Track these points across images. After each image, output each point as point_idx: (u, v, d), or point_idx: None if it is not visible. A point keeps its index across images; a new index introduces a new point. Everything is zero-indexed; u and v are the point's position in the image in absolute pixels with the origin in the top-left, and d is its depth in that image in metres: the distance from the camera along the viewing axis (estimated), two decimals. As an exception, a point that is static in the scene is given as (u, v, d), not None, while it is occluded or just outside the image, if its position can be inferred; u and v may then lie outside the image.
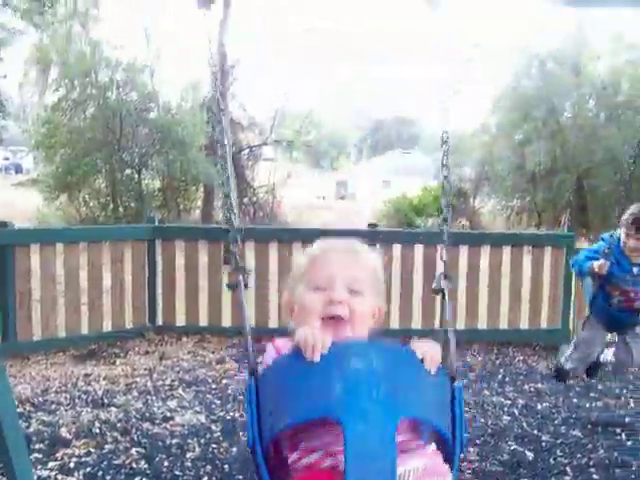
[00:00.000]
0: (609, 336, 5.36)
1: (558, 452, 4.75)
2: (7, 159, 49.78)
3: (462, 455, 1.82)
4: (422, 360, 1.68)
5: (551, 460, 4.62)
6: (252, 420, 1.72)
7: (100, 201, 19.94)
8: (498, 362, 7.14)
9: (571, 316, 7.75)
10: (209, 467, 4.37)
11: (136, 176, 19.89)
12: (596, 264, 4.75)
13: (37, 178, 22.17)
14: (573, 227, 8.93)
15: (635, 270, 4.78)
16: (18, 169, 45.42)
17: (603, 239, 4.94)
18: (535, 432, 5.12)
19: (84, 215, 19.58)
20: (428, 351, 1.70)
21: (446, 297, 2.21)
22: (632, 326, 5.06)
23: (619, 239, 4.86)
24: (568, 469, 4.48)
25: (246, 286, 2.11)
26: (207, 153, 19.97)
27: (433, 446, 1.79)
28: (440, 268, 2.40)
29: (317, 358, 1.58)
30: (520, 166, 25.60)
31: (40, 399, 5.61)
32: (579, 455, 4.71)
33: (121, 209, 19.57)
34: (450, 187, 2.55)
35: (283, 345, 1.82)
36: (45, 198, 19.50)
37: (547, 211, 26.19)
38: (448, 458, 1.77)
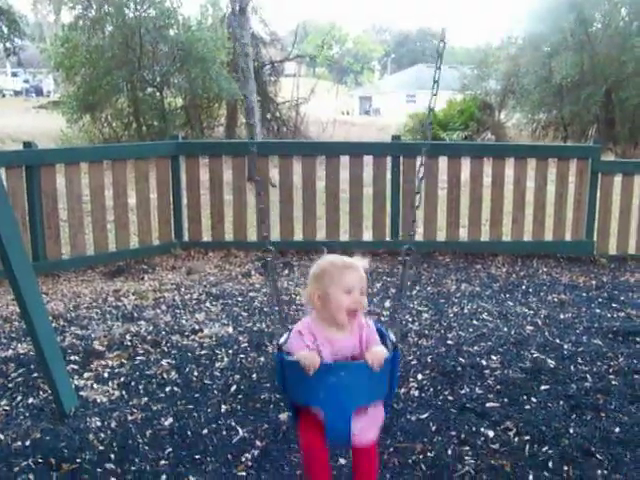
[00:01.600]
0: None
1: (579, 360, 4.82)
2: (27, 81, 49.63)
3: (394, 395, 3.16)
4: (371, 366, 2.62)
5: (572, 367, 4.69)
6: (280, 380, 2.80)
7: (123, 121, 19.95)
8: (522, 273, 7.17)
9: (595, 228, 7.74)
10: (237, 376, 4.49)
11: (158, 94, 19.80)
12: None
13: (59, 100, 22.15)
14: (600, 140, 8.79)
15: None
16: (39, 92, 45.29)
17: None
18: (557, 341, 5.19)
19: (107, 135, 19.63)
20: (375, 359, 2.63)
21: (406, 264, 3.10)
22: None
23: None
24: (588, 376, 4.55)
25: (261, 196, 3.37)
26: (229, 70, 19.76)
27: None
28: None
29: (311, 374, 2.58)
30: (547, 79, 25.08)
31: (72, 314, 5.77)
32: (599, 363, 4.78)
33: (144, 128, 19.57)
34: (434, 103, 3.26)
35: (303, 329, 2.77)
36: (68, 120, 19.46)
37: (574, 125, 25.82)
38: (385, 403, 2.89)
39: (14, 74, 50.65)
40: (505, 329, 5.44)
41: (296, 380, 2.69)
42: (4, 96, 45.30)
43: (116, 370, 4.62)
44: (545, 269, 7.37)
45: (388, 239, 7.75)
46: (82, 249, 7.19)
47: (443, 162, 7.71)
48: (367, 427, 2.76)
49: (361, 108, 58.51)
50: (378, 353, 2.67)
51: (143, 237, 7.57)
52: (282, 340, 2.87)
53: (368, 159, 7.83)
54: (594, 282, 6.94)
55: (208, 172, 7.79)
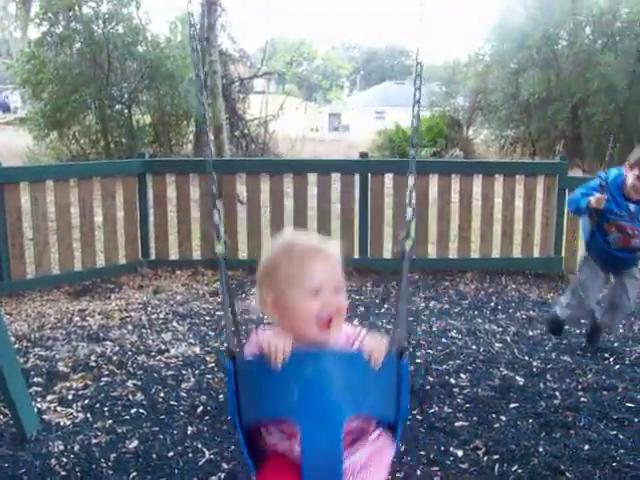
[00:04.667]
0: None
1: (548, 377, 4.83)
2: (-8, 98, 48.96)
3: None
4: (369, 360, 1.87)
5: (541, 384, 4.69)
6: (232, 400, 1.95)
7: (91, 138, 19.76)
8: (491, 290, 7.19)
9: (564, 245, 7.80)
10: (204, 397, 4.42)
11: (126, 112, 19.65)
12: (593, 198, 4.76)
13: (25, 116, 21.89)
14: (566, 156, 8.88)
15: (632, 207, 4.79)
16: (5, 108, 44.72)
17: (599, 176, 4.94)
18: (526, 358, 5.19)
19: (75, 152, 19.40)
20: (374, 350, 1.87)
21: (405, 264, 2.38)
22: (629, 266, 5.09)
23: (615, 176, 4.87)
24: (557, 393, 4.55)
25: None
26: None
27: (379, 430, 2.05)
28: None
29: (278, 367, 1.80)
30: (514, 95, 25.38)
31: (37, 335, 5.65)
32: (568, 380, 4.79)
33: (112, 145, 19.41)
34: (419, 123, 2.57)
35: (263, 339, 1.91)
36: (34, 137, 19.25)
37: (541, 141, 26.09)
38: (393, 429, 2.05)
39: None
40: (474, 347, 5.43)
41: (256, 388, 1.89)
42: (-32, 112, 44.66)
43: (80, 392, 4.52)
44: (514, 285, 7.39)
45: (356, 256, 7.74)
46: (47, 268, 7.07)
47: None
48: (367, 463, 1.93)
49: (330, 125, 58.58)
50: (377, 342, 1.92)
51: (109, 256, 7.47)
52: (232, 345, 2.05)
53: (336, 176, 7.83)
54: (562, 298, 6.97)
55: (175, 190, 7.73)
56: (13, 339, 5.50)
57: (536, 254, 7.91)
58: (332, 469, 1.78)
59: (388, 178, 7.69)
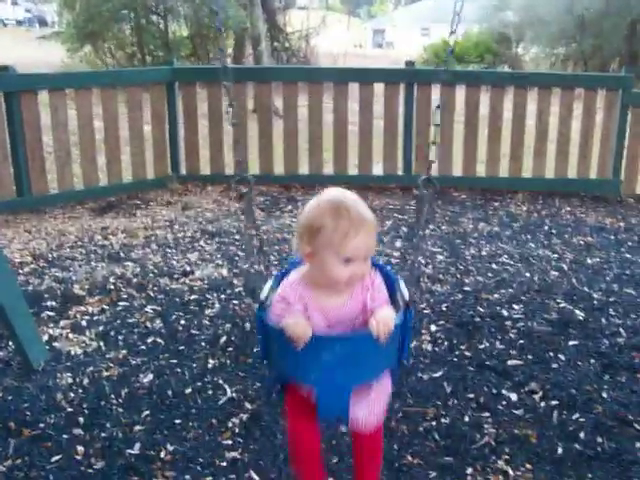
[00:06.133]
0: None
1: (611, 311, 4.33)
2: (29, 11, 48.24)
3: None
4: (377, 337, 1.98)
5: (603, 320, 4.19)
6: (262, 344, 2.18)
7: (126, 51, 19.16)
8: (544, 212, 6.63)
9: (623, 166, 7.16)
10: (228, 325, 4.02)
11: (162, 23, 18.95)
12: None
13: (60, 29, 21.36)
14: (633, 69, 8.01)
15: None
16: (42, 22, 44.03)
17: None
18: (585, 289, 4.68)
19: (110, 66, 18.83)
20: (381, 327, 1.97)
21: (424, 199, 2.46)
22: None
23: None
24: (621, 330, 4.06)
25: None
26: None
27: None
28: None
29: (300, 348, 1.97)
30: (567, 10, 23.90)
31: (55, 254, 5.28)
32: (633, 315, 4.29)
33: (149, 58, 18.80)
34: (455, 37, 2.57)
35: (290, 294, 2.10)
36: (68, 49, 18.70)
37: (595, 59, 24.72)
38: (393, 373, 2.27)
39: (14, 2, 49.22)
40: (527, 274, 4.93)
41: (282, 351, 2.09)
42: (5, 26, 44.06)
43: (95, 317, 4.15)
44: (568, 208, 6.82)
45: (400, 173, 7.20)
46: (70, 183, 6.68)
47: (460, 93, 7.09)
48: (370, 409, 2.16)
49: (374, 41, 56.96)
50: (385, 319, 2.00)
51: (137, 170, 7.04)
52: (264, 294, 2.20)
53: (379, 88, 7.19)
54: (622, 224, 6.39)
55: (207, 100, 7.21)
56: (30, 258, 5.18)
57: (593, 175, 7.30)
58: (342, 412, 2.11)
59: (435, 89, 7.05)
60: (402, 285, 2.22)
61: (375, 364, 2.11)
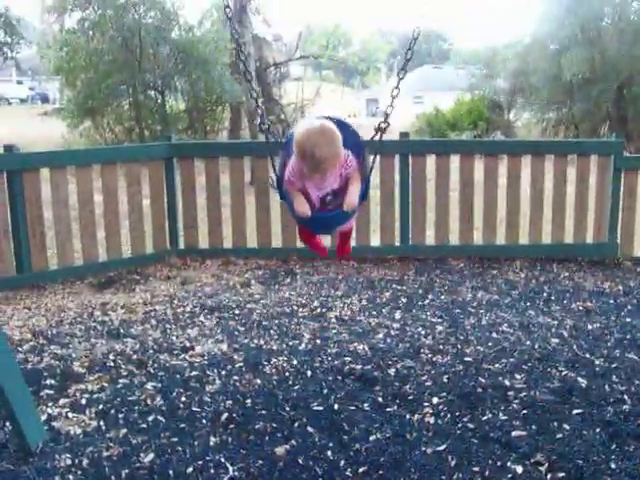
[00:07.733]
0: None
1: (614, 377, 4.30)
2: (32, 89, 49.21)
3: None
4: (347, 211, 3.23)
5: (606, 387, 4.17)
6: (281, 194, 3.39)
7: (125, 125, 19.47)
8: (542, 279, 6.64)
9: (619, 229, 7.22)
10: (229, 402, 3.99)
11: (160, 98, 19.33)
12: None
13: (61, 106, 21.73)
14: (621, 135, 8.13)
15: None
16: (44, 99, 44.90)
17: None
18: (587, 355, 4.67)
19: (109, 141, 19.13)
20: (349, 206, 3.18)
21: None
22: None
23: None
24: (625, 397, 4.03)
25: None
26: (232, 72, 19.29)
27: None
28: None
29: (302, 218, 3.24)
30: (556, 76, 24.41)
31: (54, 331, 5.26)
32: (636, 380, 4.26)
33: (147, 132, 19.09)
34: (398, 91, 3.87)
35: (293, 176, 3.25)
36: (68, 124, 19.03)
37: (585, 123, 25.13)
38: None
39: (19, 82, 50.24)
40: (528, 342, 4.92)
41: (293, 212, 3.30)
42: (10, 104, 44.92)
43: (95, 395, 4.12)
44: (566, 274, 6.84)
45: (397, 244, 7.24)
46: (70, 259, 6.71)
47: (455, 162, 7.18)
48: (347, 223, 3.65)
49: (368, 110, 57.93)
50: (351, 202, 3.17)
51: (136, 245, 7.08)
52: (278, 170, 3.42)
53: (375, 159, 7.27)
54: (621, 287, 6.40)
55: (204, 175, 7.30)
56: (29, 335, 5.16)
57: (589, 239, 7.34)
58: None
59: (430, 160, 7.15)
60: (366, 154, 3.51)
61: (347, 218, 3.46)
